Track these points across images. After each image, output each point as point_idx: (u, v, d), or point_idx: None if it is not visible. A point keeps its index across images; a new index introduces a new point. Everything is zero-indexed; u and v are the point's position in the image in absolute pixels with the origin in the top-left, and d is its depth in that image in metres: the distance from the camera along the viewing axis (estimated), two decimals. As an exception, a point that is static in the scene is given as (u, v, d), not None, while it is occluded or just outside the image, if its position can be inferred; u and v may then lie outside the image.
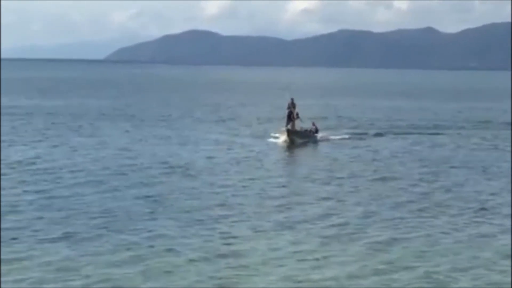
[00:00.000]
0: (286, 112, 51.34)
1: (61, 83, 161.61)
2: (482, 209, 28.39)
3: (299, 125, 51.56)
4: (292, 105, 50.87)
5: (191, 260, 20.49)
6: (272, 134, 52.08)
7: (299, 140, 49.73)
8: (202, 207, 27.60)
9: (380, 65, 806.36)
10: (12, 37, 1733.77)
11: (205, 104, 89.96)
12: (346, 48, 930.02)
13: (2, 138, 47.83)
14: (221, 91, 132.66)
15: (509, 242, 23.14)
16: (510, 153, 46.04)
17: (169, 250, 21.55)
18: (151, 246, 21.83)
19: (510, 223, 25.73)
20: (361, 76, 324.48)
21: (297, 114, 51.00)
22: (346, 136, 54.06)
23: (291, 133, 49.60)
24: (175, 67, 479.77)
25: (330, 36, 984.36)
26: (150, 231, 23.72)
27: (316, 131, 52.35)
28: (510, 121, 70.13)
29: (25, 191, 29.89)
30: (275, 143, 49.29)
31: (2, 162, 37.12)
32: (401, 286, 18.82)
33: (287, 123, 50.68)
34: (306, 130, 51.63)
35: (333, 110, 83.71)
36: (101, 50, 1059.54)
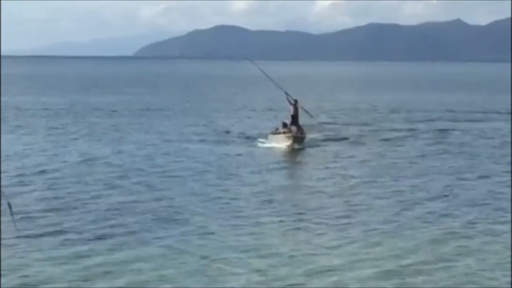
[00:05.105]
0: (290, 112, 45.72)
1: (102, 80, 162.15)
2: None
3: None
4: (296, 108, 45.93)
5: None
6: (262, 139, 46.39)
7: (301, 146, 44.23)
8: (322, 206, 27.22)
9: (409, 58, 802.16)
10: (43, 34, 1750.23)
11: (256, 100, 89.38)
12: (374, 42, 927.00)
13: (74, 135, 48.51)
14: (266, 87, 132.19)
15: None
16: None
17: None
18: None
19: None
20: (394, 70, 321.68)
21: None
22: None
23: (296, 139, 44.07)
24: (204, 62, 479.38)
25: (358, 30, 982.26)
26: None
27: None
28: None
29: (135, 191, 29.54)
30: (276, 148, 43.61)
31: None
32: None
33: (291, 127, 45.03)
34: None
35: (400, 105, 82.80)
36: (131, 46, 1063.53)
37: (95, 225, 23.58)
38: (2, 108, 68.38)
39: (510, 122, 59.78)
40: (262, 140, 45.99)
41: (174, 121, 59.64)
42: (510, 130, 53.37)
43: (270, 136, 45.68)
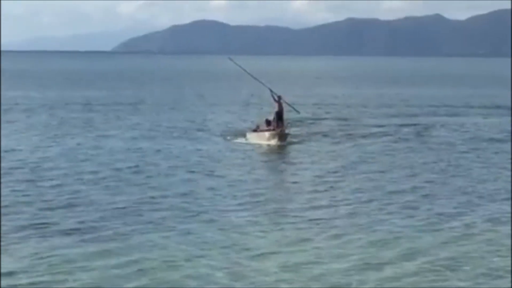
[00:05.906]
0: (275, 109, 45.37)
1: (84, 75, 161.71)
2: None
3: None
4: (280, 104, 45.59)
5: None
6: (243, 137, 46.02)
7: (284, 143, 44.18)
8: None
9: (388, 53, 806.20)
10: (23, 29, 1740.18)
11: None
12: (353, 37, 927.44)
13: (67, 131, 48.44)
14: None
15: None
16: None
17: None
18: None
19: None
20: (374, 65, 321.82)
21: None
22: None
23: (281, 136, 44.09)
24: (185, 58, 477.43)
25: (337, 25, 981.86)
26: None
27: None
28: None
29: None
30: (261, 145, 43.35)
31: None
32: None
33: (276, 124, 44.85)
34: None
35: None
36: (110, 41, 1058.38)
37: (100, 223, 23.49)
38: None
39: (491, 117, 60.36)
40: (243, 137, 45.71)
41: (162, 117, 59.62)
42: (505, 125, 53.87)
43: (249, 134, 45.63)
